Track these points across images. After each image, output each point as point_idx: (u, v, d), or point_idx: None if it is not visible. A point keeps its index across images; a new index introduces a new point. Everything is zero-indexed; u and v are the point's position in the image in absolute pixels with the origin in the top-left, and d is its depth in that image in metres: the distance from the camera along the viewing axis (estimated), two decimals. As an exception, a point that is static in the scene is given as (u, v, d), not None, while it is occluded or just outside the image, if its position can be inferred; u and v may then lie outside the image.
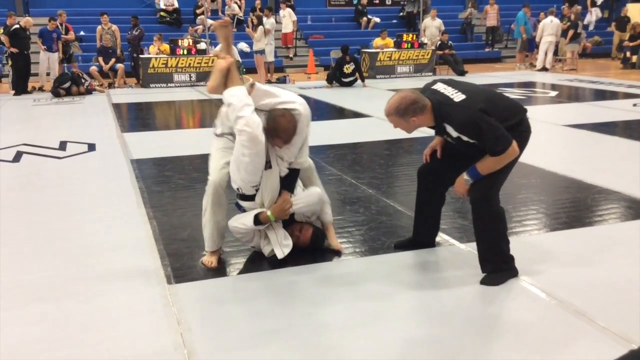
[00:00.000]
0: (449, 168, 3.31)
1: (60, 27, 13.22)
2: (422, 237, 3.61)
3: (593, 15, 20.71)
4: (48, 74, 12.67)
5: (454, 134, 2.95)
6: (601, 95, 10.93)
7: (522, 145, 3.02)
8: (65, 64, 13.26)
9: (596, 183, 4.94)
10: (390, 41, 15.07)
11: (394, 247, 3.63)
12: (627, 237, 3.77)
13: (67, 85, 11.65)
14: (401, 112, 2.95)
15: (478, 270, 3.30)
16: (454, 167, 3.29)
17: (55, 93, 11.50)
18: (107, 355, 2.51)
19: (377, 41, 15.09)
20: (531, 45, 16.51)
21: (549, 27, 15.13)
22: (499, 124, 2.89)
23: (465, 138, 2.93)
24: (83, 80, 11.97)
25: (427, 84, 3.19)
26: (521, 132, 3.03)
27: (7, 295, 3.08)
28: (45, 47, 12.38)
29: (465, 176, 3.05)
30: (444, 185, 3.42)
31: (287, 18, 16.30)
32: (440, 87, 3.06)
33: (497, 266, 3.14)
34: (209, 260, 3.44)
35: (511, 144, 2.89)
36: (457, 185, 3.12)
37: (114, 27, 13.66)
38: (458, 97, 2.94)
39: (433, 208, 3.51)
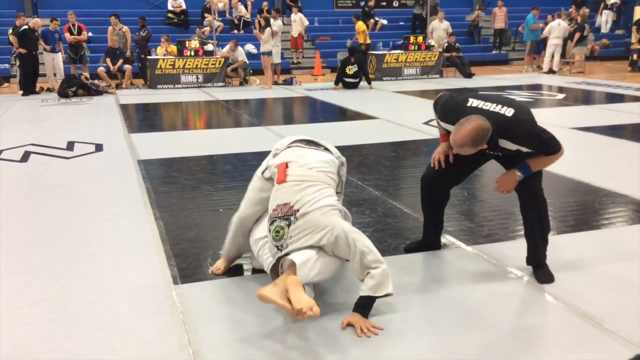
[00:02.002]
0: (455, 172, 3.36)
1: (72, 27, 13.28)
2: (430, 239, 3.63)
3: (603, 17, 20.62)
4: (55, 75, 12.73)
5: (513, 147, 2.99)
6: (609, 98, 10.89)
7: None
8: (78, 64, 13.33)
9: (603, 186, 4.92)
10: (361, 24, 14.92)
11: (404, 251, 3.62)
12: (635, 241, 3.75)
13: (75, 89, 11.70)
14: (477, 142, 2.92)
15: (484, 272, 3.30)
16: (461, 170, 3.35)
17: (63, 94, 11.54)
18: (113, 355, 2.51)
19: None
20: (539, 48, 16.48)
21: (555, 29, 15.10)
22: (546, 129, 3.03)
23: (524, 149, 3.00)
24: (93, 87, 11.98)
25: (458, 100, 3.15)
26: None
27: (14, 295, 3.09)
28: (49, 47, 12.43)
29: (518, 172, 3.09)
30: (450, 187, 3.47)
31: (298, 23, 16.30)
32: (478, 103, 3.05)
33: (543, 259, 3.24)
34: (216, 266, 3.36)
35: (561, 146, 3.03)
36: (507, 182, 3.14)
37: (125, 28, 13.72)
38: (508, 111, 2.98)
39: (440, 210, 3.55)
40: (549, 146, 3.01)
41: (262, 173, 3.11)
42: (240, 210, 3.19)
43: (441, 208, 3.54)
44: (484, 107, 3.02)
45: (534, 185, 3.14)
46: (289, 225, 2.74)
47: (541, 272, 3.21)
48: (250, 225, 3.18)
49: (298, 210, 2.75)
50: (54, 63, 12.61)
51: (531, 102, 10.24)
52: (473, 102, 3.07)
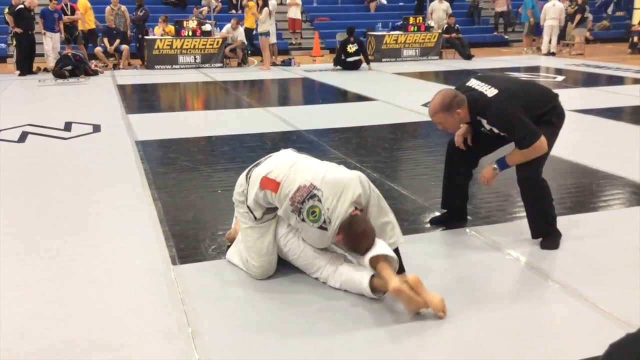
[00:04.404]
0: (477, 144, 3.48)
1: (65, 7, 13.14)
2: (453, 208, 3.74)
3: None
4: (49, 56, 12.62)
5: (487, 126, 3.18)
6: (608, 80, 10.86)
7: (557, 124, 3.29)
8: (74, 45, 13.20)
9: (601, 168, 4.93)
10: (252, 4, 14.28)
11: (430, 223, 3.75)
12: (632, 223, 3.76)
13: (70, 68, 11.57)
14: (446, 107, 3.12)
15: (481, 253, 3.31)
16: (482, 143, 3.48)
17: (59, 74, 11.44)
18: (112, 334, 2.53)
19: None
20: (538, 30, 16.37)
21: (550, 11, 14.99)
22: (528, 119, 3.11)
23: (496, 130, 3.17)
24: (86, 67, 11.81)
25: (462, 81, 3.35)
26: (557, 114, 3.29)
27: (13, 274, 3.10)
28: (46, 28, 12.28)
29: (494, 165, 3.30)
30: (472, 158, 3.55)
31: (293, 2, 16.10)
32: (474, 83, 3.25)
33: (547, 230, 3.37)
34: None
35: (538, 139, 3.10)
36: (486, 173, 3.34)
37: (123, 7, 13.59)
38: (491, 92, 3.14)
39: (462, 178, 3.63)
40: (518, 137, 3.11)
41: (255, 219, 2.94)
42: (258, 267, 2.97)
43: (463, 178, 3.61)
44: (475, 87, 3.21)
45: (526, 171, 3.24)
46: (320, 200, 2.74)
47: (545, 240, 3.38)
48: (274, 268, 3.04)
49: (312, 183, 2.76)
50: (52, 42, 12.48)
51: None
52: (470, 82, 3.27)
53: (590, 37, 17.87)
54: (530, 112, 3.14)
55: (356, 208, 2.78)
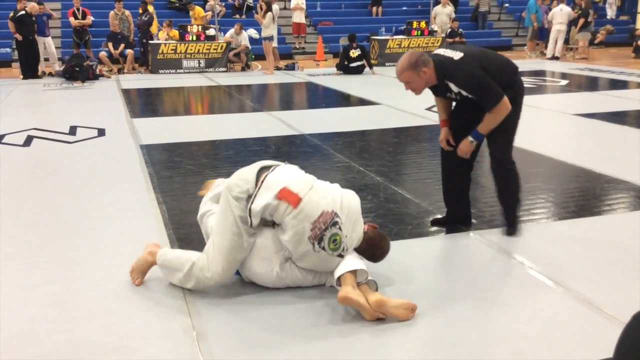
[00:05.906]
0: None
1: (77, 11, 13.17)
2: (455, 213, 3.77)
3: (611, 5, 20.50)
4: (46, 59, 12.62)
5: (455, 89, 3.29)
6: (612, 84, 10.85)
7: (519, 101, 3.39)
8: (82, 49, 13.22)
9: (605, 172, 4.92)
10: (200, 10, 14.77)
11: (430, 223, 3.80)
12: (635, 227, 3.76)
13: (78, 69, 11.57)
14: (413, 64, 3.25)
15: (484, 256, 3.32)
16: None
17: (69, 71, 11.40)
18: (117, 337, 2.54)
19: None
20: (542, 34, 16.37)
21: (558, 15, 15.00)
22: (492, 80, 3.22)
23: (464, 93, 3.28)
24: (90, 72, 11.81)
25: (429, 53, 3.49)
26: (517, 88, 3.39)
27: (18, 277, 3.11)
28: (37, 33, 12.25)
29: (470, 138, 3.42)
30: (466, 161, 3.59)
31: (298, 6, 16.17)
32: (440, 51, 3.43)
33: (516, 216, 3.59)
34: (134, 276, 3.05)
35: (502, 99, 3.22)
36: (462, 146, 3.45)
37: (127, 12, 13.64)
38: (457, 55, 3.28)
39: (460, 183, 3.68)
40: (484, 97, 3.23)
41: (251, 226, 2.77)
42: (221, 274, 2.83)
43: (459, 182, 3.67)
44: (441, 53, 3.38)
45: (498, 151, 3.42)
46: (340, 228, 2.74)
47: (510, 227, 3.59)
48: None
49: (334, 210, 2.74)
50: (46, 47, 12.46)
51: (534, 88, 10.21)
52: (437, 50, 3.47)
53: (603, 38, 17.80)
54: (495, 79, 3.24)
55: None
